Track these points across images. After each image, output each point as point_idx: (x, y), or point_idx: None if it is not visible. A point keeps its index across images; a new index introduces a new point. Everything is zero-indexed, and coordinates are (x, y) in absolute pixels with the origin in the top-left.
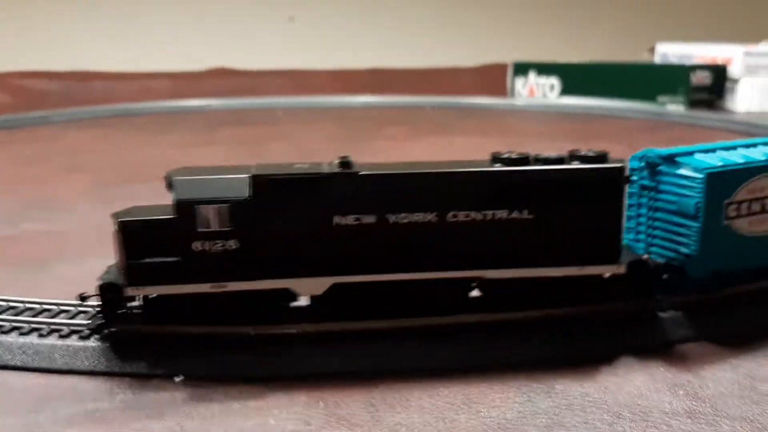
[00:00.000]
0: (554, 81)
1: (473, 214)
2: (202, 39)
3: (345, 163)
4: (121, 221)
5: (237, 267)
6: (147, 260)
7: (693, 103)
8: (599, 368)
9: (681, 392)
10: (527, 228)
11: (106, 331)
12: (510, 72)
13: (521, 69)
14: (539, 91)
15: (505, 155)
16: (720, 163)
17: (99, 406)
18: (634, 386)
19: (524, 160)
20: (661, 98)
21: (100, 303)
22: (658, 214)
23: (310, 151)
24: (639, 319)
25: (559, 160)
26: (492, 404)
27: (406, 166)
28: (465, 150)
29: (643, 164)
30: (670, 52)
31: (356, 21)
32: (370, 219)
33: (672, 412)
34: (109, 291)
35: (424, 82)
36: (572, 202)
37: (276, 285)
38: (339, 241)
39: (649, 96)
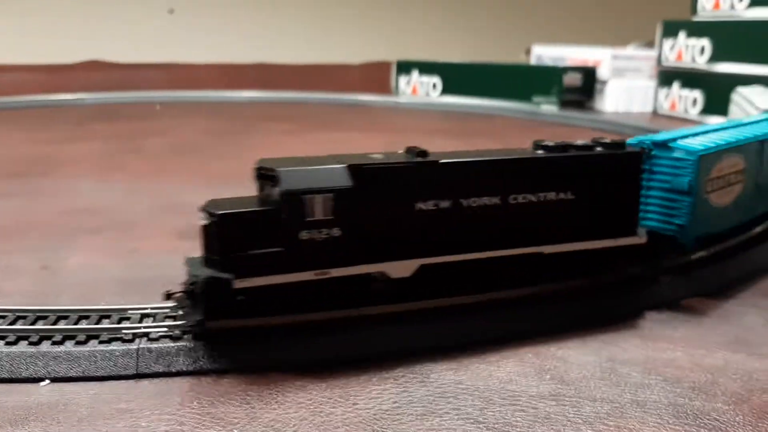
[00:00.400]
0: (436, 80)
1: (529, 197)
2: (75, 30)
3: (422, 152)
4: (221, 214)
5: (339, 254)
6: (254, 251)
7: (565, 103)
8: (472, 357)
9: (548, 377)
10: (570, 207)
11: (208, 327)
12: (394, 70)
13: (405, 67)
14: (422, 89)
15: (546, 143)
16: (704, 147)
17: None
18: (505, 372)
19: (565, 147)
20: (536, 98)
21: (205, 298)
22: (651, 192)
23: (189, 146)
24: (650, 280)
25: (590, 147)
26: (369, 396)
27: (474, 154)
28: (348, 146)
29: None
30: (544, 54)
31: (240, 15)
32: (446, 204)
33: (539, 396)
34: (215, 285)
35: (310, 78)
36: (604, 182)
37: (372, 269)
38: (421, 225)
39: (525, 96)
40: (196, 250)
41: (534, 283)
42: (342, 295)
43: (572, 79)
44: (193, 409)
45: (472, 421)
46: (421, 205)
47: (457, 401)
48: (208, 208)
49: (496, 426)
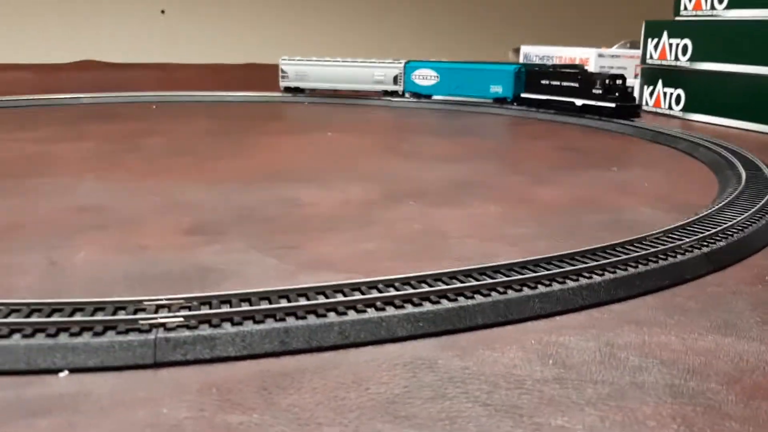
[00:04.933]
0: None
1: None
2: (68, 30)
3: None
4: None
5: None
6: None
7: None
8: (477, 345)
9: (550, 362)
10: None
11: None
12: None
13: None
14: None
15: None
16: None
17: None
18: (509, 358)
19: None
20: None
21: None
22: None
23: (186, 145)
24: None
25: None
26: (381, 381)
27: None
28: (341, 145)
29: None
30: (532, 52)
31: (229, 15)
32: None
33: (543, 380)
34: None
35: None
36: None
37: None
38: None
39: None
40: (203, 246)
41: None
42: None
43: None
44: (212, 395)
45: (480, 403)
46: None
47: (465, 386)
48: None
49: (503, 408)
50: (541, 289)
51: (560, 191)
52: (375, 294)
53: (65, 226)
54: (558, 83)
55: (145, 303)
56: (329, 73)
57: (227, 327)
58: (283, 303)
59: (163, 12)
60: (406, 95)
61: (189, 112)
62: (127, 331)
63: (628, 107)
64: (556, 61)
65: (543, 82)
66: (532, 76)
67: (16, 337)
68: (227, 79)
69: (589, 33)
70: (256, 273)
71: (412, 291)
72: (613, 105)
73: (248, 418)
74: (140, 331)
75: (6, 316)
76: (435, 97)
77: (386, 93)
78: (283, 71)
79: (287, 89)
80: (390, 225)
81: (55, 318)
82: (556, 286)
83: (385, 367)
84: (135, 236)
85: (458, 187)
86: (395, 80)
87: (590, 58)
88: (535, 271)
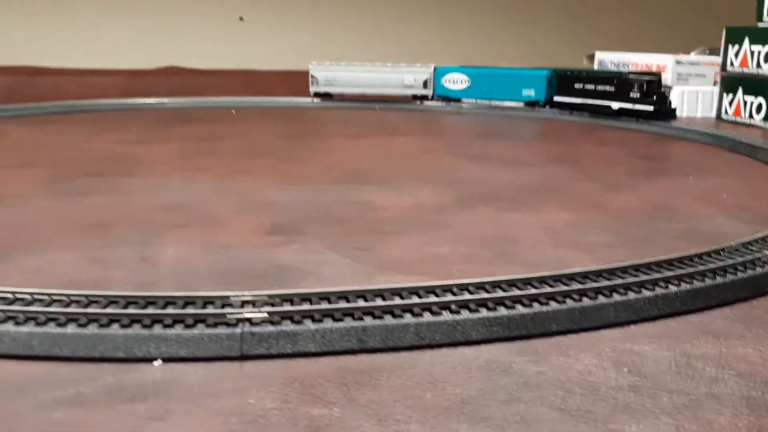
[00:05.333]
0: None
1: None
2: (153, 37)
3: None
4: None
5: None
6: None
7: None
8: (551, 350)
9: (625, 370)
10: None
11: None
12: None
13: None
14: None
15: None
16: None
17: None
18: (583, 365)
19: None
20: None
21: None
22: None
23: (263, 148)
24: None
25: None
26: (456, 382)
27: None
28: (407, 148)
29: None
30: (607, 59)
31: (306, 21)
32: None
33: (617, 387)
34: None
35: None
36: None
37: None
38: None
39: None
40: (282, 245)
41: None
42: None
43: None
44: (295, 388)
45: (555, 408)
46: None
47: (540, 390)
48: None
49: (578, 413)
50: (617, 297)
51: (635, 199)
52: (450, 297)
53: (153, 223)
54: (593, 87)
55: (232, 298)
56: (359, 78)
57: (308, 324)
58: (361, 303)
59: (241, 19)
60: (435, 99)
61: (265, 117)
62: (215, 325)
63: (665, 110)
64: (632, 68)
65: (576, 86)
66: (564, 80)
67: (115, 326)
68: (301, 84)
69: (665, 39)
70: (333, 273)
71: (486, 295)
72: (651, 108)
73: (329, 411)
74: (228, 324)
75: (105, 307)
76: (464, 101)
77: (415, 97)
78: (312, 76)
79: (317, 94)
80: (462, 229)
81: (149, 310)
82: (631, 295)
83: (461, 369)
84: (218, 234)
85: (530, 192)
86: (425, 84)
87: (667, 65)
88: (610, 280)
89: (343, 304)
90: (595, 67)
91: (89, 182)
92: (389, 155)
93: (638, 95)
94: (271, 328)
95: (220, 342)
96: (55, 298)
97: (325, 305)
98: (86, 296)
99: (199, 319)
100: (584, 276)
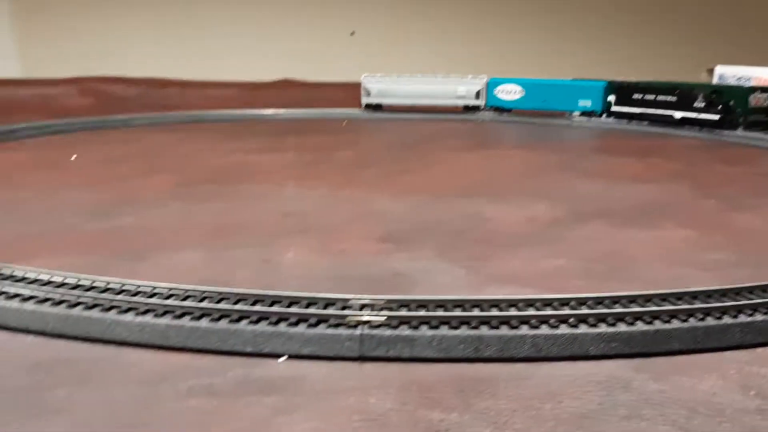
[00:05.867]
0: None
1: None
2: (269, 52)
3: None
4: None
5: None
6: None
7: (749, 125)
8: (673, 369)
9: (752, 393)
10: None
11: None
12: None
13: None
14: None
15: None
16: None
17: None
18: (708, 386)
19: None
20: None
21: None
22: None
23: (374, 159)
24: None
25: None
26: (574, 395)
27: None
28: (516, 162)
29: None
30: (728, 73)
31: (412, 34)
32: None
33: (744, 410)
34: None
35: None
36: None
37: None
38: None
39: None
40: (395, 253)
41: None
42: None
43: (759, 100)
44: (413, 391)
45: (678, 427)
46: None
47: (662, 408)
48: None
49: None
50: (743, 318)
51: (761, 218)
52: (567, 311)
53: (273, 228)
54: (653, 97)
55: (351, 301)
56: (411, 90)
57: (425, 330)
58: (477, 312)
59: (352, 34)
60: (486, 110)
61: (375, 128)
62: (336, 326)
63: (730, 120)
64: (753, 83)
65: (635, 96)
66: (622, 90)
67: (244, 322)
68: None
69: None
70: (445, 282)
71: (605, 311)
72: (716, 117)
73: (447, 416)
74: (348, 326)
75: (234, 304)
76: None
77: (466, 108)
78: (365, 89)
79: (368, 106)
80: (577, 244)
81: (275, 308)
82: (758, 317)
83: (579, 383)
84: (334, 240)
85: (646, 209)
86: (477, 95)
87: None
88: (735, 300)
89: (459, 312)
90: (715, 80)
91: (212, 188)
92: (497, 168)
93: (703, 105)
94: (389, 332)
95: (340, 342)
96: (189, 293)
97: (441, 312)
98: (217, 293)
99: (321, 319)
100: (708, 295)
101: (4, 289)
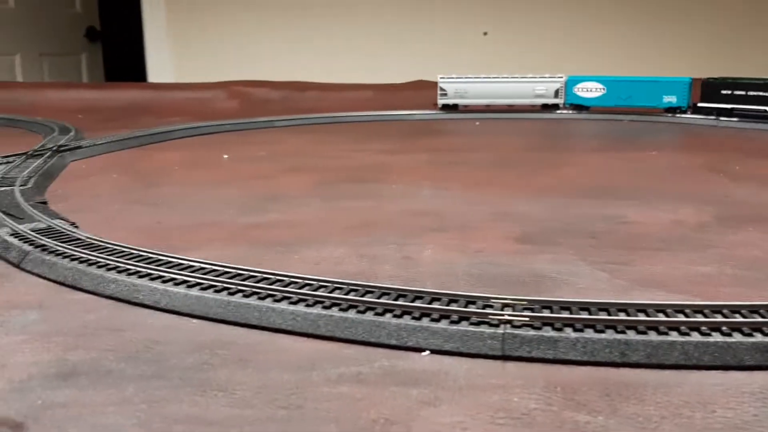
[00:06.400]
0: None
1: None
2: (402, 54)
3: None
4: None
5: None
6: None
7: None
8: None
9: None
10: None
11: None
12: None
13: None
14: None
15: None
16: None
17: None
18: None
19: None
20: None
21: None
22: None
23: (508, 160)
24: None
25: None
26: (728, 405)
27: None
28: (658, 163)
29: None
30: None
31: (549, 34)
32: None
33: None
34: None
35: None
36: None
37: None
38: None
39: None
40: (534, 254)
41: None
42: None
43: None
44: (558, 393)
45: None
46: None
47: None
48: None
49: None
50: None
51: None
52: (720, 318)
53: (410, 226)
54: (743, 92)
55: (492, 300)
56: (488, 90)
57: (569, 332)
58: (622, 316)
59: (485, 34)
60: (566, 108)
61: (508, 129)
62: (478, 323)
63: None
64: None
65: (724, 92)
66: (709, 86)
67: (388, 316)
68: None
69: None
70: (588, 285)
71: (761, 320)
72: None
73: (593, 419)
74: (490, 324)
75: (378, 298)
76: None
77: (546, 106)
78: (442, 89)
79: (445, 106)
80: (727, 249)
81: (417, 303)
82: None
83: (732, 393)
84: (471, 240)
85: None
86: (556, 93)
87: None
88: None
89: (604, 316)
90: None
91: (351, 187)
92: (637, 169)
93: None
94: (532, 332)
95: (483, 340)
96: (336, 285)
97: (585, 315)
98: (362, 286)
99: (463, 317)
100: None
101: (172, 276)
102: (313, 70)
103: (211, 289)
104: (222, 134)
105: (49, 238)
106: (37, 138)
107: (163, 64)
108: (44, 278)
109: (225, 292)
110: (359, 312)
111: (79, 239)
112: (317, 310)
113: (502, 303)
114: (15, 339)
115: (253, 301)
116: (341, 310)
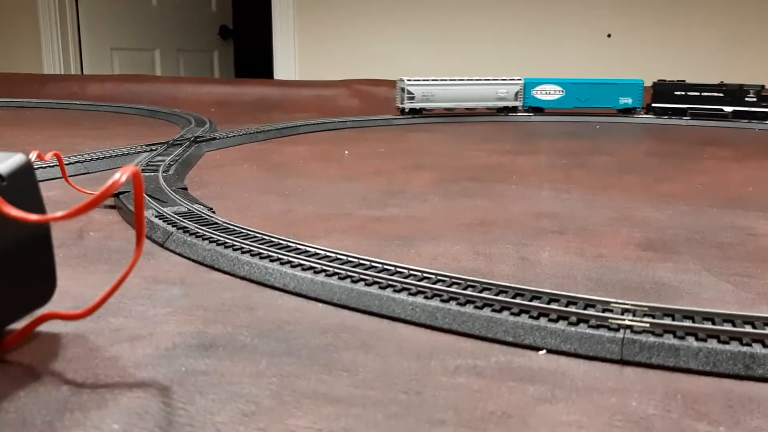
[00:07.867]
0: None
1: None
2: (511, 53)
3: None
4: None
5: None
6: None
7: None
8: None
9: None
10: None
11: None
12: None
13: None
14: None
15: None
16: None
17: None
18: None
19: None
20: None
21: None
22: None
23: (632, 165)
24: None
25: None
26: None
27: None
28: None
29: None
30: None
31: (670, 36)
32: None
33: None
34: None
35: None
36: None
37: None
38: None
39: None
40: (655, 261)
41: None
42: None
43: None
44: (678, 401)
45: None
46: None
47: None
48: None
49: None
50: None
51: None
52: None
53: (528, 227)
54: (697, 93)
55: (612, 305)
56: (454, 93)
57: (691, 341)
58: (748, 329)
59: (609, 36)
60: (524, 111)
61: (629, 133)
62: (597, 327)
63: None
64: None
65: (677, 93)
66: (661, 88)
67: (505, 313)
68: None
69: None
70: (711, 296)
71: None
72: None
73: (714, 429)
74: (609, 328)
75: (496, 295)
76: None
77: (505, 109)
78: (409, 92)
79: (412, 110)
80: None
81: (535, 303)
82: None
83: None
84: (590, 244)
85: None
86: (516, 96)
87: None
88: None
89: (728, 327)
90: None
91: (469, 185)
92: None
93: (755, 99)
94: (652, 339)
95: (601, 343)
96: (454, 280)
97: (708, 325)
98: (480, 283)
99: (581, 319)
100: None
101: (300, 262)
102: (422, 71)
103: (336, 276)
104: (344, 131)
105: (189, 221)
106: (175, 129)
107: (288, 62)
108: (185, 257)
109: (348, 280)
110: (477, 307)
111: (216, 223)
112: (435, 302)
113: (623, 308)
114: (162, 311)
115: (374, 290)
116: (459, 304)
